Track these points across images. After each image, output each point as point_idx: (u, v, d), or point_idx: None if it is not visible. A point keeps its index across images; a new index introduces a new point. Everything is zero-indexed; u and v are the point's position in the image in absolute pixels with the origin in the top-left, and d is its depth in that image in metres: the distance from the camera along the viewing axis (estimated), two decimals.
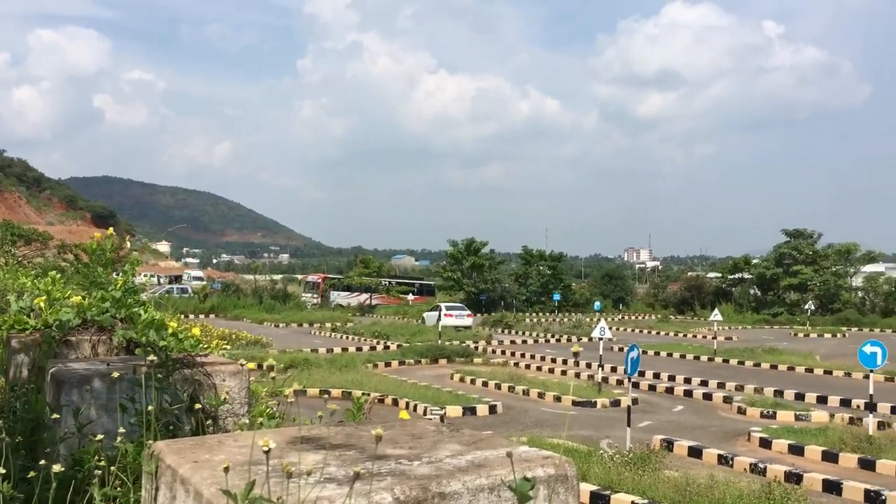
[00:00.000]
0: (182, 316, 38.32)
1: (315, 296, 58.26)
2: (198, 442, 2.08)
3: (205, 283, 66.69)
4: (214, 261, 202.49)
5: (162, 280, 73.40)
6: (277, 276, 72.90)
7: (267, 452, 1.47)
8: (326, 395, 17.63)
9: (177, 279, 77.29)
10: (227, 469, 1.50)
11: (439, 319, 32.38)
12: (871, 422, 14.24)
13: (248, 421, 3.10)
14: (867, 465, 12.45)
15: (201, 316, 44.96)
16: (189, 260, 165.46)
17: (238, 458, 1.77)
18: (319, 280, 61.90)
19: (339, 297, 58.14)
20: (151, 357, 2.65)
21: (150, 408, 2.60)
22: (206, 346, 5.21)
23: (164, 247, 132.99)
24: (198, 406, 2.80)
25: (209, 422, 2.84)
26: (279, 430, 2.34)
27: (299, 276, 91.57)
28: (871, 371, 14.90)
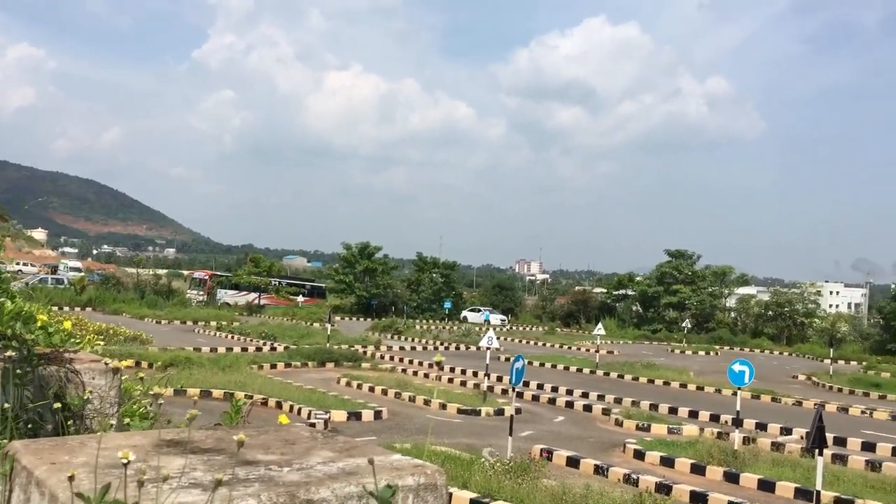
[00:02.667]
0: (56, 308, 36.44)
1: (201, 293, 56.59)
2: (58, 443, 1.97)
3: (83, 274, 63.58)
4: (95, 252, 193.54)
5: (35, 269, 69.59)
6: (162, 271, 70.19)
7: (125, 457, 1.42)
8: (196, 398, 17.12)
9: (53, 269, 73.45)
10: (71, 477, 1.43)
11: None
12: (737, 437, 14.99)
13: (115, 422, 2.97)
14: (732, 478, 13.11)
15: (77, 309, 42.81)
16: (67, 249, 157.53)
17: (100, 460, 1.69)
18: (206, 277, 60.16)
19: (226, 295, 56.70)
20: (9, 352, 2.50)
21: (6, 405, 2.45)
22: (78, 340, 4.96)
23: (39, 234, 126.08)
24: (59, 405, 2.67)
25: (71, 422, 2.71)
26: (147, 432, 2.25)
27: (185, 272, 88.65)
28: (739, 388, 15.71)
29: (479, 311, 60.60)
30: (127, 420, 3.20)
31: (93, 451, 1.79)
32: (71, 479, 1.43)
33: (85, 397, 2.86)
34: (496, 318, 58.31)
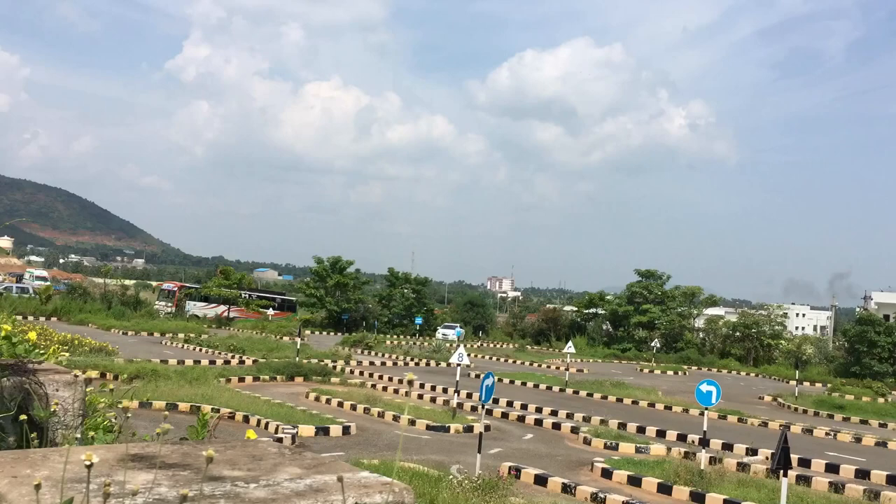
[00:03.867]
0: (20, 317, 35.85)
1: (169, 305, 55.90)
2: (20, 456, 1.94)
3: (49, 283, 62.62)
4: (62, 261, 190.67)
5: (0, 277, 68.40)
6: (130, 282, 69.34)
7: (89, 468, 1.40)
8: (167, 412, 16.89)
9: (18, 278, 72.20)
10: (37, 486, 1.41)
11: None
12: (703, 457, 15.09)
13: (80, 435, 2.93)
14: (698, 498, 13.19)
15: (42, 318, 42.12)
16: (33, 258, 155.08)
17: (63, 474, 1.67)
18: (175, 288, 59.45)
19: (195, 307, 56.06)
20: None
21: None
22: (42, 351, 4.89)
23: (5, 242, 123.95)
24: (23, 417, 2.62)
25: (35, 435, 2.66)
26: (111, 446, 2.22)
27: (154, 283, 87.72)
28: (706, 409, 15.83)
29: (453, 327, 59.94)
30: (91, 433, 3.16)
31: (56, 465, 1.77)
32: (37, 487, 1.41)
33: (50, 410, 2.82)
34: (454, 333, 57.75)
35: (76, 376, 2.93)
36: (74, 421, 3.07)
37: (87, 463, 1.42)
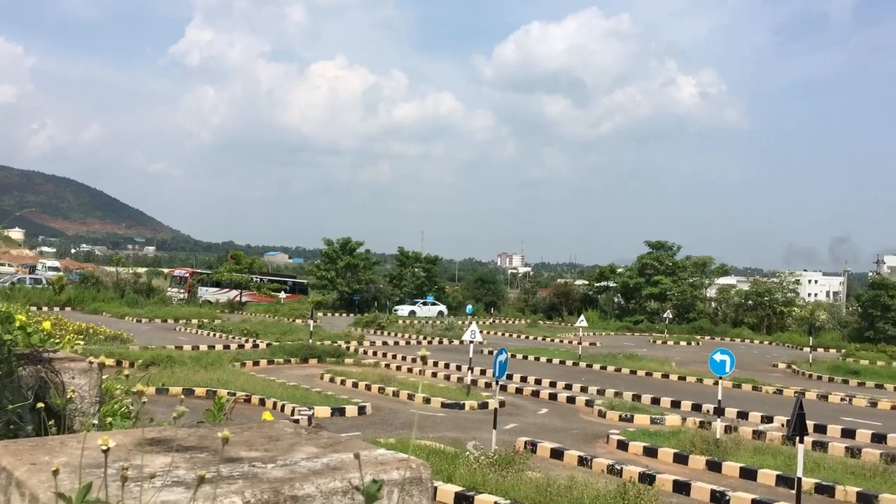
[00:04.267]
0: (34, 308, 36.11)
1: (182, 291, 56.21)
2: (38, 443, 1.95)
3: (61, 273, 62.99)
4: (73, 251, 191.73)
5: (12, 269, 68.87)
6: (142, 269, 69.74)
7: (106, 452, 1.40)
8: (182, 396, 17.04)
9: (31, 269, 72.67)
10: (56, 472, 1.41)
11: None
12: (718, 426, 15.11)
13: (97, 421, 2.95)
14: (714, 466, 13.22)
15: (56, 308, 42.41)
16: (45, 249, 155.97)
17: (81, 460, 1.67)
18: (187, 274, 59.76)
19: (207, 293, 56.36)
20: None
21: None
22: (57, 340, 4.92)
23: (17, 234, 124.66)
24: (40, 406, 2.64)
25: (52, 422, 2.68)
26: (129, 431, 2.23)
27: (166, 270, 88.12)
28: (720, 378, 15.83)
29: (425, 303, 57.48)
30: (108, 419, 3.17)
31: (74, 451, 1.77)
32: (55, 472, 1.42)
33: (67, 397, 2.84)
34: (427, 310, 55.51)
35: (91, 363, 2.95)
36: (91, 408, 3.09)
37: (104, 448, 1.42)
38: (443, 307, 57.83)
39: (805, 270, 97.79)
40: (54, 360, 3.10)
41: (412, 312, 54.63)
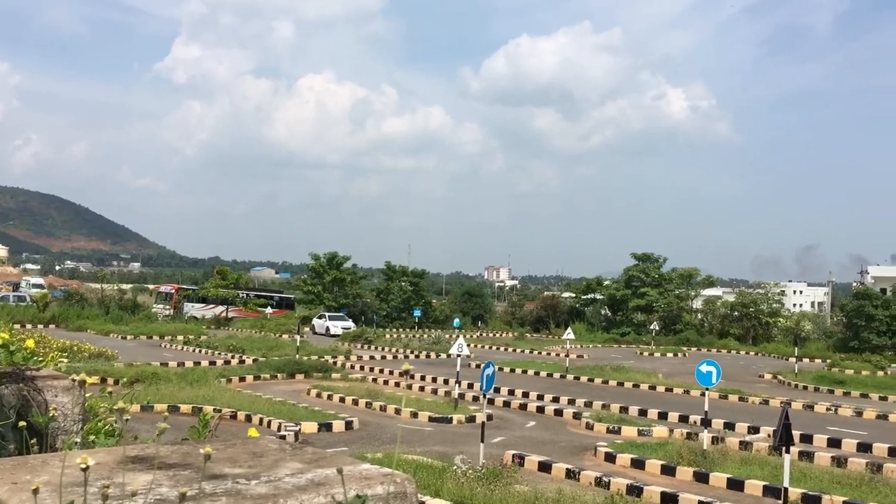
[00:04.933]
0: (18, 326, 35.79)
1: (167, 307, 55.87)
2: (19, 462, 1.94)
3: (45, 290, 62.54)
4: (58, 268, 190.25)
5: None
6: (127, 286, 69.29)
7: (85, 471, 1.40)
8: (167, 413, 16.91)
9: (14, 286, 72.07)
10: (35, 490, 1.41)
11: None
12: (705, 437, 15.15)
13: (80, 439, 2.93)
14: (701, 477, 13.25)
15: (40, 326, 42.11)
16: (29, 266, 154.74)
17: (63, 479, 1.66)
18: (173, 290, 59.44)
19: (193, 308, 56.03)
20: None
21: None
22: (41, 358, 4.89)
23: (0, 251, 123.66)
24: (22, 424, 2.62)
25: (34, 441, 2.66)
26: (111, 448, 2.22)
27: (151, 286, 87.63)
28: (707, 389, 15.90)
29: (340, 318, 52.04)
30: (92, 437, 3.15)
31: (56, 470, 1.76)
32: (35, 491, 1.41)
33: (49, 416, 2.81)
34: (336, 326, 49.24)
35: (73, 381, 2.93)
36: (75, 426, 3.06)
37: (83, 466, 1.42)
38: (350, 322, 51.92)
39: (790, 281, 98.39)
40: (37, 379, 3.08)
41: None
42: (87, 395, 3.42)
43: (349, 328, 48.47)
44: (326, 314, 53.54)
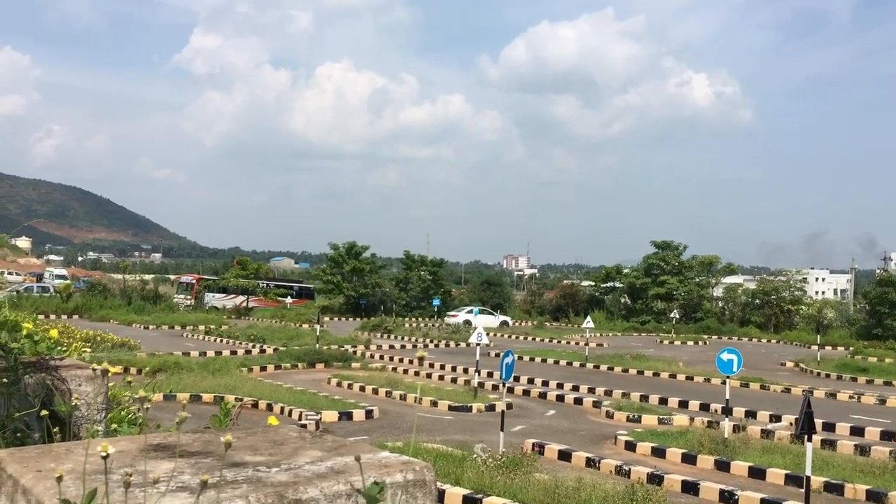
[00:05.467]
0: (42, 316, 36.23)
1: (188, 297, 56.33)
2: (44, 450, 1.96)
3: (69, 281, 63.26)
4: (80, 259, 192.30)
5: (20, 278, 69.10)
6: (148, 276, 69.98)
7: (105, 458, 1.41)
8: (187, 402, 17.07)
9: (38, 277, 72.95)
10: (59, 478, 1.42)
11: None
12: (727, 425, 15.08)
13: (102, 428, 2.96)
14: (723, 466, 13.19)
15: (64, 316, 42.60)
16: (52, 257, 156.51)
17: (87, 466, 1.68)
18: (194, 281, 59.89)
19: (213, 299, 56.47)
20: None
21: None
22: (65, 348, 4.95)
23: (24, 243, 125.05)
24: (46, 413, 2.65)
25: (58, 429, 2.69)
26: (134, 437, 2.24)
27: (172, 277, 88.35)
28: (728, 377, 15.80)
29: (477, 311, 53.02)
30: (115, 426, 3.19)
31: (79, 458, 1.78)
32: (59, 479, 1.43)
33: (72, 404, 2.85)
34: (488, 321, 48.29)
35: (96, 371, 2.96)
36: (98, 415, 3.10)
37: (103, 454, 1.43)
38: (506, 317, 53.20)
39: (812, 268, 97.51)
40: (61, 368, 3.12)
41: (467, 322, 50.15)
42: (109, 384, 3.45)
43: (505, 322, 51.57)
44: (474, 308, 54.26)
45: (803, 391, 22.04)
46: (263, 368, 24.70)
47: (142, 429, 3.64)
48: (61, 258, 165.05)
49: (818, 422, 14.70)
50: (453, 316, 52.91)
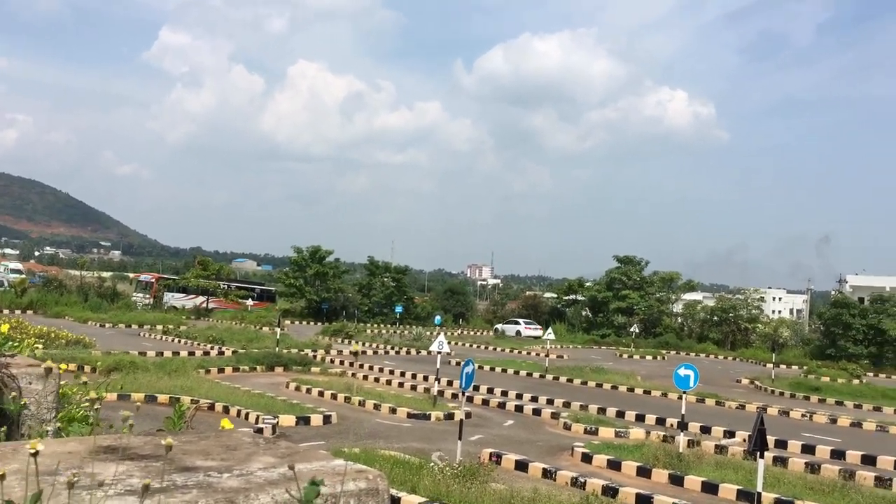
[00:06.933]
0: None
1: (147, 296, 55.52)
2: None
3: (24, 276, 61.92)
4: (37, 254, 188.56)
5: None
6: (107, 274, 68.74)
7: (34, 455, 1.38)
8: (140, 403, 16.81)
9: None
10: (2, 477, 1.39)
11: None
12: (681, 440, 15.25)
13: (52, 428, 2.90)
14: (677, 480, 13.33)
15: (17, 312, 41.70)
16: (8, 251, 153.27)
17: (33, 467, 1.65)
18: (153, 280, 59.06)
19: (173, 298, 55.72)
20: None
21: None
22: (16, 344, 4.84)
23: None
24: None
25: (5, 428, 2.63)
26: (83, 438, 2.20)
27: (131, 275, 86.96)
28: (684, 392, 15.98)
29: (520, 323, 55.99)
30: (66, 426, 3.13)
31: (26, 458, 1.74)
32: (2, 478, 1.40)
33: (21, 402, 2.79)
34: (528, 331, 53.52)
35: (48, 368, 2.90)
36: (48, 413, 3.03)
37: (32, 451, 1.41)
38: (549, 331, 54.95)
39: (770, 288, 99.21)
40: (11, 365, 3.05)
41: (518, 332, 54.20)
42: (62, 382, 3.39)
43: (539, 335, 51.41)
44: (521, 321, 56.90)
45: (757, 408, 22.38)
46: (221, 370, 24.41)
47: (93, 429, 3.57)
48: (17, 252, 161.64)
49: (771, 439, 14.94)
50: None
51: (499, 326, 57.34)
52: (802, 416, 23.06)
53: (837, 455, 16.66)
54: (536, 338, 49.17)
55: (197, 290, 56.40)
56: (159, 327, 38.33)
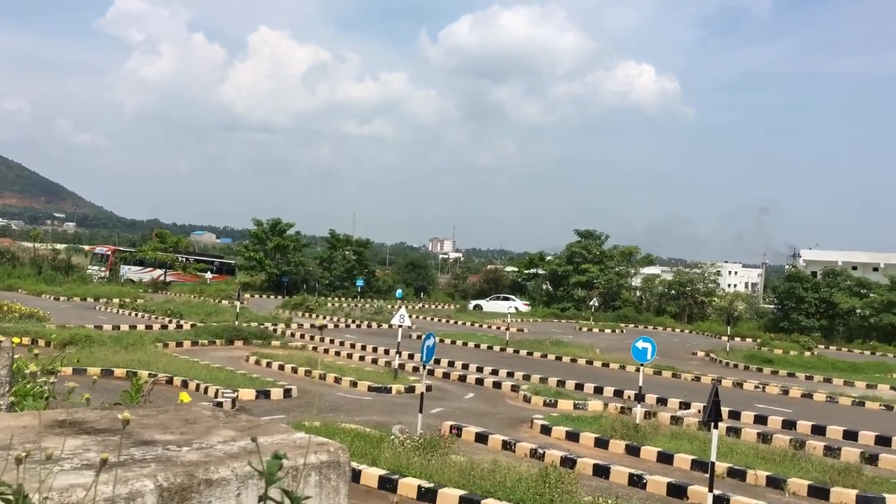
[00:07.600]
0: None
1: (103, 269, 54.62)
2: None
3: None
4: None
5: None
6: (61, 246, 67.42)
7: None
8: (97, 377, 16.59)
9: None
10: None
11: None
12: (638, 411, 15.52)
13: (5, 402, 2.85)
14: (633, 451, 13.58)
15: None
16: None
17: None
18: (109, 252, 58.09)
19: (130, 271, 54.92)
20: None
21: None
22: None
23: None
24: None
25: None
26: (37, 412, 2.16)
27: (86, 247, 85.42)
28: (642, 365, 16.24)
29: (509, 299, 54.53)
30: (16, 399, 3.07)
31: None
32: None
33: None
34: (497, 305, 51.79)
35: (0, 343, 2.85)
36: (1, 388, 2.98)
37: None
38: (519, 303, 54.14)
39: (726, 262, 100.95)
40: None
41: (477, 307, 53.70)
42: (15, 356, 3.32)
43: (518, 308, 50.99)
44: (513, 296, 56.13)
45: (712, 380, 22.87)
46: (180, 344, 24.16)
47: (48, 403, 3.51)
48: None
49: (725, 410, 15.28)
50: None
51: (481, 303, 54.97)
52: (756, 387, 23.61)
53: (789, 425, 17.11)
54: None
55: (154, 263, 55.63)
56: (115, 301, 37.75)
